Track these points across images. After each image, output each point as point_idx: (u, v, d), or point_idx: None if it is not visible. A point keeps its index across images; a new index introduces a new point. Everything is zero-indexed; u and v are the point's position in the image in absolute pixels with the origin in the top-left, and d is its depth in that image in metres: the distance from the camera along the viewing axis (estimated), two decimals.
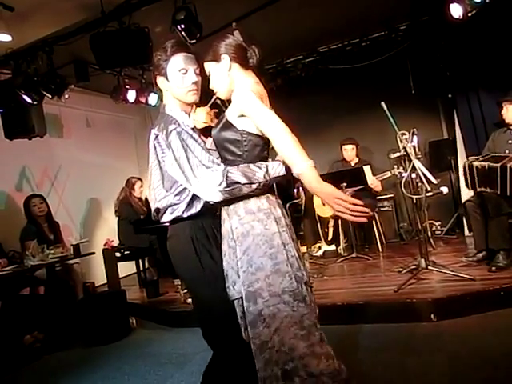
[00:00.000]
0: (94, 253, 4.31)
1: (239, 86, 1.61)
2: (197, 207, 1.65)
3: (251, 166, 1.56)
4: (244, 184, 1.53)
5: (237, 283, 1.55)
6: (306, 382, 1.43)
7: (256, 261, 1.52)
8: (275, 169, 1.60)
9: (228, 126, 1.59)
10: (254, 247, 1.54)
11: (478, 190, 3.34)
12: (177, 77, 1.65)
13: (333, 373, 1.45)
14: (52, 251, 3.74)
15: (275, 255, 1.53)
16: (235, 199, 1.58)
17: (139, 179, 5.28)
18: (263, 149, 1.63)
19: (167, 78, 1.66)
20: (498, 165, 3.12)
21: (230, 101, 1.70)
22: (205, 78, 1.72)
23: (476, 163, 3.33)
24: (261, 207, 1.59)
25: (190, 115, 1.73)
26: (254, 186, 1.55)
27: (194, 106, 1.96)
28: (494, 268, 3.15)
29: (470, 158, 3.45)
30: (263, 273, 1.51)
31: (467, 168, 3.41)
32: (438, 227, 5.20)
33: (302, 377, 1.44)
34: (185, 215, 1.65)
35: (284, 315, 1.49)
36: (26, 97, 3.90)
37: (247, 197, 1.58)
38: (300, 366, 1.44)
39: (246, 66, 1.64)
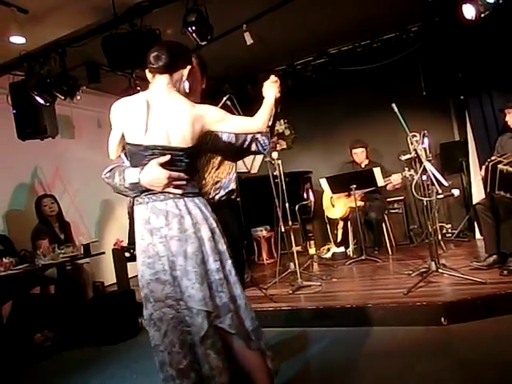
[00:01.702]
0: (103, 253, 4.34)
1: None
2: None
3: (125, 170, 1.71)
4: (108, 183, 1.79)
5: None
6: (201, 374, 1.60)
7: (139, 268, 1.68)
8: (130, 176, 1.68)
9: None
10: (138, 256, 1.69)
11: (497, 192, 3.25)
12: None
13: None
14: (63, 251, 3.78)
15: (152, 265, 1.63)
16: None
17: None
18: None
19: None
20: None
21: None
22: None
23: (500, 166, 3.15)
24: (139, 217, 1.69)
25: None
26: (116, 190, 1.76)
27: None
28: (505, 272, 3.10)
29: (492, 157, 3.32)
30: (144, 280, 1.66)
31: (490, 169, 3.24)
32: (449, 230, 5.15)
33: (198, 370, 1.60)
34: None
35: (169, 317, 1.61)
36: (38, 98, 3.95)
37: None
38: None
39: None
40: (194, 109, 1.68)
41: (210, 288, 1.62)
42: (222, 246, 1.70)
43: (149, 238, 1.64)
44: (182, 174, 1.65)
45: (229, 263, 1.70)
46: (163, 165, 1.61)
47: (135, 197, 1.70)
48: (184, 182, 1.66)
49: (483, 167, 3.36)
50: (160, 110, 1.64)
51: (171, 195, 1.64)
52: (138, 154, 1.66)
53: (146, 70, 1.75)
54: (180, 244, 1.62)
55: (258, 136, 1.98)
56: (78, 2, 3.29)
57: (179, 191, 1.65)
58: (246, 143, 2.00)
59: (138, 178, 1.63)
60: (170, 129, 1.63)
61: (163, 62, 1.68)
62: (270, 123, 1.88)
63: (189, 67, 1.75)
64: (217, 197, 1.93)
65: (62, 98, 4.02)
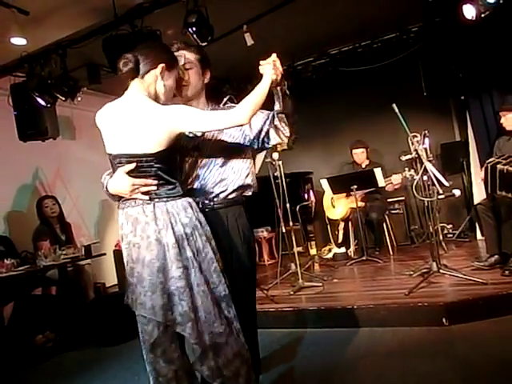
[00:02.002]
0: (104, 254, 4.34)
1: None
2: None
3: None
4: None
5: None
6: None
7: None
8: (105, 184, 1.77)
9: None
10: None
11: (498, 193, 3.25)
12: None
13: None
14: (64, 252, 3.78)
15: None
16: None
17: None
18: None
19: None
20: None
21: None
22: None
23: (500, 166, 3.19)
24: (119, 223, 1.74)
25: None
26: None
27: None
28: (507, 272, 3.10)
29: (491, 159, 3.34)
30: None
31: (489, 169, 3.27)
32: (450, 230, 5.14)
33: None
34: None
35: None
36: (39, 99, 3.96)
37: None
38: None
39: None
40: (160, 112, 1.61)
41: (170, 295, 1.59)
42: (190, 253, 1.61)
43: (122, 243, 1.70)
44: (148, 180, 1.62)
45: (197, 271, 1.60)
46: (133, 171, 1.62)
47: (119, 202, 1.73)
48: (152, 188, 1.63)
49: (482, 169, 3.36)
50: (124, 117, 1.63)
51: (141, 201, 1.64)
52: (111, 163, 1.71)
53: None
54: (139, 251, 1.62)
55: (277, 123, 1.82)
56: (78, 4, 3.30)
57: (146, 197, 1.63)
58: (263, 134, 1.87)
59: (106, 187, 1.71)
60: (134, 136, 1.61)
61: (129, 66, 1.65)
62: (279, 108, 1.76)
63: (161, 66, 1.68)
64: (222, 195, 1.85)
65: (63, 99, 4.02)
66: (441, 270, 3.22)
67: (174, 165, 1.71)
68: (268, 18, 3.99)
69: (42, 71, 3.98)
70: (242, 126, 1.69)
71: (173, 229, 1.60)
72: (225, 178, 1.84)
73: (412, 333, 2.71)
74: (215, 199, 1.84)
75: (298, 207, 4.49)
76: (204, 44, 3.39)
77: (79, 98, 4.17)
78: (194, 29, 3.26)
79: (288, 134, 1.86)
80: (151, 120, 1.59)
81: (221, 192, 1.85)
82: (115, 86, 5.30)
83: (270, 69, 1.66)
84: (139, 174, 1.63)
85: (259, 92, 1.64)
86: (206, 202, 1.84)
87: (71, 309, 3.74)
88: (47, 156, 4.92)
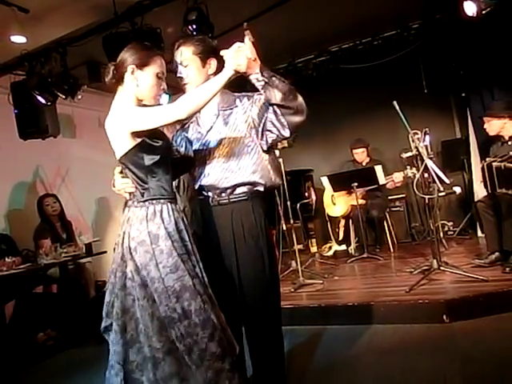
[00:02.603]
0: (105, 252, 4.35)
1: None
2: None
3: None
4: None
5: None
6: None
7: None
8: None
9: None
10: None
11: (499, 190, 3.26)
12: None
13: None
14: (65, 250, 3.79)
15: None
16: None
17: None
18: None
19: None
20: None
21: None
22: None
23: (495, 163, 3.24)
24: None
25: None
26: None
27: None
28: (507, 269, 3.10)
29: (487, 159, 3.38)
30: None
31: (486, 168, 3.32)
32: (451, 227, 5.15)
33: None
34: None
35: None
36: (39, 97, 3.95)
37: None
38: None
39: None
40: (119, 116, 1.63)
41: (113, 295, 1.70)
42: (131, 267, 1.61)
43: None
44: (128, 182, 1.72)
45: (136, 285, 1.60)
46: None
47: None
48: (130, 190, 1.72)
49: (480, 169, 3.39)
50: (107, 125, 1.69)
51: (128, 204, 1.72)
52: None
53: None
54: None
55: (279, 116, 1.69)
56: (78, 2, 3.29)
57: (127, 197, 1.74)
58: (261, 126, 1.76)
59: None
60: (112, 141, 1.68)
61: (109, 76, 1.68)
62: (270, 100, 1.64)
63: (130, 67, 1.64)
64: (227, 191, 1.80)
65: (63, 97, 4.02)
66: (441, 268, 3.22)
67: (146, 168, 1.66)
68: (268, 16, 3.98)
69: (42, 69, 3.97)
70: (179, 121, 1.63)
71: (123, 239, 1.66)
72: (228, 174, 1.79)
73: (412, 330, 2.72)
74: (223, 194, 1.81)
75: (298, 205, 4.49)
76: None
77: (79, 96, 4.16)
78: (194, 26, 3.25)
79: (287, 133, 1.75)
80: (115, 125, 1.64)
81: (225, 188, 1.80)
82: (116, 85, 5.31)
83: (230, 58, 1.53)
84: (125, 177, 1.73)
85: (208, 87, 1.55)
86: (215, 197, 1.82)
87: (72, 306, 3.75)
88: (48, 154, 4.91)
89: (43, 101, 3.98)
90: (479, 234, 4.73)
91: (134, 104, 1.67)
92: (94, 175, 5.53)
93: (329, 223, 5.42)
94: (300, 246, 4.92)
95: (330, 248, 5.23)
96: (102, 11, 3.43)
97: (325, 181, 4.66)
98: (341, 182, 4.59)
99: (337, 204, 5.05)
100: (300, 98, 1.69)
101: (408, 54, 4.83)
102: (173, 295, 1.57)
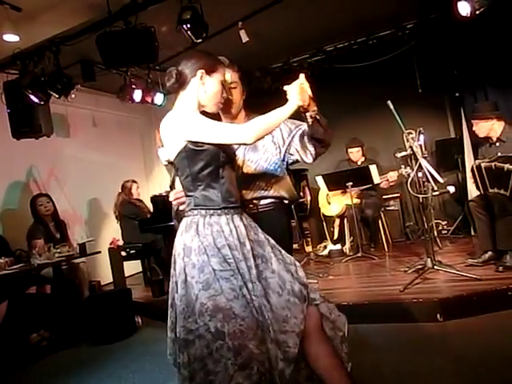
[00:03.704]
0: (99, 252, 4.33)
1: None
2: None
3: None
4: None
5: None
6: None
7: None
8: None
9: None
10: None
11: (490, 190, 3.29)
12: None
13: None
14: (58, 250, 3.76)
15: None
16: None
17: (134, 181, 5.29)
18: None
19: None
20: None
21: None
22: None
23: (484, 164, 3.28)
24: None
25: None
26: None
27: None
28: (500, 268, 3.13)
29: (476, 161, 3.42)
30: None
31: (475, 169, 3.36)
32: (445, 226, 5.17)
33: None
34: None
35: None
36: (33, 97, 3.93)
37: None
38: None
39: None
40: (179, 122, 1.58)
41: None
42: (173, 271, 1.62)
43: None
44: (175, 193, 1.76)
45: (176, 288, 1.60)
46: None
47: None
48: (180, 200, 1.73)
49: (468, 171, 3.42)
50: (165, 131, 1.66)
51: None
52: None
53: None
54: None
55: (306, 141, 1.83)
56: (71, 0, 3.27)
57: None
58: (285, 146, 1.89)
59: None
60: (168, 147, 1.65)
61: (171, 81, 1.64)
62: (309, 132, 1.75)
63: (200, 72, 1.63)
64: (254, 202, 1.90)
65: (57, 96, 4.00)
66: (435, 267, 3.24)
67: (191, 176, 1.61)
68: (263, 15, 3.98)
69: (36, 68, 3.95)
70: (245, 145, 1.72)
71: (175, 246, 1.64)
72: (251, 186, 1.88)
73: (407, 329, 2.72)
74: (250, 205, 1.88)
75: (293, 204, 4.49)
76: (199, 41, 3.38)
77: (73, 96, 4.14)
78: (189, 26, 3.24)
79: (310, 160, 1.88)
80: (172, 128, 1.59)
81: (254, 198, 1.89)
82: (110, 84, 5.33)
83: (296, 94, 1.57)
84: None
85: (276, 116, 1.57)
86: (250, 206, 1.89)
87: (66, 307, 3.72)
88: (41, 154, 4.88)
89: (36, 100, 3.96)
90: (473, 233, 4.76)
91: (195, 109, 1.65)
92: (89, 175, 5.51)
93: (324, 222, 5.43)
94: (295, 246, 4.92)
95: (325, 247, 5.24)
96: (96, 10, 3.41)
97: (320, 180, 4.66)
98: (335, 182, 4.59)
99: (332, 203, 5.06)
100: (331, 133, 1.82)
101: (403, 53, 4.84)
102: (206, 313, 1.48)
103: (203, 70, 1.64)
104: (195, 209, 1.61)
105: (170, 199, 1.80)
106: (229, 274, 1.52)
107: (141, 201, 5.26)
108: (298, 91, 1.58)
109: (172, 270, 1.63)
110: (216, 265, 1.52)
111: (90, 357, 3.20)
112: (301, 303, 1.55)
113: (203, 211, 1.59)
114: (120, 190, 5.21)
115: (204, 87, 1.65)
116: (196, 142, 1.56)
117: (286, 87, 1.61)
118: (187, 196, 1.65)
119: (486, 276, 3.02)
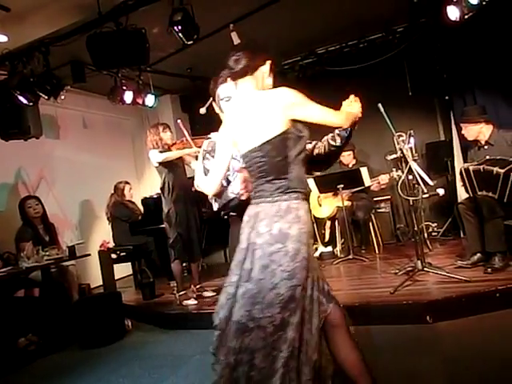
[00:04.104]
0: (89, 254, 4.28)
1: None
2: None
3: None
4: None
5: None
6: None
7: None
8: None
9: None
10: None
11: (479, 193, 3.32)
12: (222, 104, 1.89)
13: None
14: (47, 253, 3.71)
15: None
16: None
17: (127, 183, 5.27)
18: None
19: (217, 104, 1.92)
20: (502, 171, 3.06)
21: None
22: None
23: (472, 167, 3.31)
24: None
25: None
26: None
27: None
28: (489, 269, 3.15)
29: (464, 164, 3.46)
30: None
31: (464, 173, 3.39)
32: (435, 229, 5.20)
33: None
34: None
35: None
36: (21, 97, 3.88)
37: None
38: None
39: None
40: (278, 97, 1.61)
41: None
42: (247, 266, 1.61)
43: None
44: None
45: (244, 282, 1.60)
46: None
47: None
48: (249, 188, 1.75)
49: (458, 174, 3.45)
50: (246, 116, 1.64)
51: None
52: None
53: (228, 78, 1.76)
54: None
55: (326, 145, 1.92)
56: (61, 0, 3.25)
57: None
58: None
59: None
60: (254, 130, 1.62)
61: (243, 63, 1.65)
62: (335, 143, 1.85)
63: (269, 62, 1.70)
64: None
65: (46, 97, 3.96)
66: (425, 268, 3.26)
67: (289, 158, 1.61)
68: (255, 17, 3.99)
69: (24, 69, 3.90)
70: (335, 127, 1.81)
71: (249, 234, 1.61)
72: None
73: (397, 330, 2.73)
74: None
75: None
76: (190, 42, 3.37)
77: (62, 97, 4.11)
78: (180, 27, 3.24)
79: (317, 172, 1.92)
80: (267, 105, 1.59)
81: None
82: (101, 85, 5.28)
83: (359, 107, 1.79)
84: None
85: (351, 114, 1.76)
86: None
87: (55, 311, 3.68)
88: (30, 155, 4.83)
89: (25, 101, 3.91)
90: (462, 235, 4.80)
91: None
92: (79, 177, 5.46)
93: (315, 225, 5.43)
94: None
95: (316, 249, 5.24)
96: (86, 10, 3.39)
97: (311, 182, 4.67)
98: (327, 184, 4.60)
99: (323, 205, 5.07)
100: None
101: (393, 56, 4.88)
102: (278, 304, 1.49)
103: (271, 61, 1.71)
104: (289, 192, 1.58)
105: (235, 187, 1.81)
106: (316, 265, 1.63)
107: (133, 202, 5.23)
108: (359, 105, 1.78)
109: (249, 252, 1.57)
110: (306, 254, 1.54)
111: (78, 361, 3.16)
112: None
113: (301, 195, 1.61)
114: (113, 192, 5.18)
115: (270, 78, 1.72)
116: (299, 125, 1.64)
117: (344, 103, 1.80)
118: (278, 179, 1.59)
119: (474, 278, 3.04)
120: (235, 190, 1.94)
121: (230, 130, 1.69)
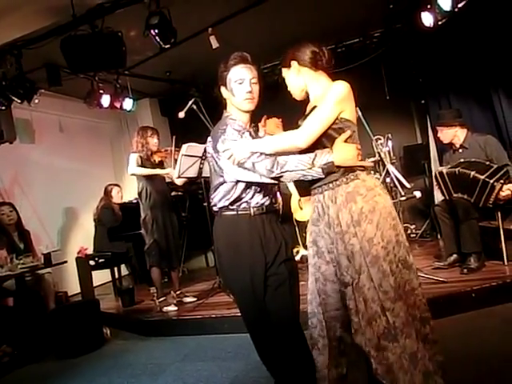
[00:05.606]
0: (65, 262, 4.18)
1: (313, 86, 1.90)
2: None
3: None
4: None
5: (350, 268, 1.68)
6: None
7: (386, 234, 1.65)
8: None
9: None
10: (383, 221, 1.66)
11: (454, 195, 3.38)
12: (234, 87, 1.81)
13: None
14: (21, 261, 3.60)
15: (396, 226, 1.69)
16: (347, 180, 1.74)
17: (116, 185, 5.19)
18: None
19: (227, 88, 1.82)
20: (482, 177, 3.12)
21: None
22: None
23: (446, 170, 3.39)
24: (376, 183, 1.76)
25: (249, 122, 1.90)
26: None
27: (265, 117, 2.49)
28: (465, 270, 3.21)
29: (439, 168, 3.52)
30: (391, 244, 1.66)
31: (438, 176, 3.46)
32: (413, 230, 5.29)
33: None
34: None
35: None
36: None
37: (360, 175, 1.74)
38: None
39: (315, 68, 1.87)
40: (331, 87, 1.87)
41: None
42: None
43: (389, 199, 1.80)
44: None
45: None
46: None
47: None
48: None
49: (434, 178, 3.52)
50: None
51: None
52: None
53: (308, 67, 1.87)
54: None
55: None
56: (33, 3, 3.17)
57: (370, 164, 1.98)
58: None
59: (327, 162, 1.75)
60: None
61: (309, 56, 1.86)
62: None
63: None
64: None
65: (19, 101, 3.87)
66: None
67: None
68: (233, 21, 3.99)
69: None
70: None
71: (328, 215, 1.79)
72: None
73: None
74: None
75: None
76: (167, 46, 3.34)
77: (36, 101, 4.02)
78: (157, 31, 3.21)
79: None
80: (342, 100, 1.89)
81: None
82: (77, 88, 5.17)
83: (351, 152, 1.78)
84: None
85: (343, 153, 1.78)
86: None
87: (30, 320, 3.58)
88: (4, 160, 4.70)
89: None
90: (439, 236, 4.88)
91: None
92: (55, 182, 5.34)
93: (296, 228, 5.45)
94: None
95: (298, 252, 5.25)
96: (60, 13, 3.32)
97: (291, 186, 4.68)
98: (306, 187, 4.61)
99: (304, 208, 5.09)
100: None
101: (370, 61, 4.95)
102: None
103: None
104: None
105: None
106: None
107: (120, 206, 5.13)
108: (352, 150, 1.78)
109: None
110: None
111: (55, 371, 3.08)
112: None
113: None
114: (103, 194, 5.11)
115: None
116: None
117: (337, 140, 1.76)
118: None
119: (451, 278, 3.10)
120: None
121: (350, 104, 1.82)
